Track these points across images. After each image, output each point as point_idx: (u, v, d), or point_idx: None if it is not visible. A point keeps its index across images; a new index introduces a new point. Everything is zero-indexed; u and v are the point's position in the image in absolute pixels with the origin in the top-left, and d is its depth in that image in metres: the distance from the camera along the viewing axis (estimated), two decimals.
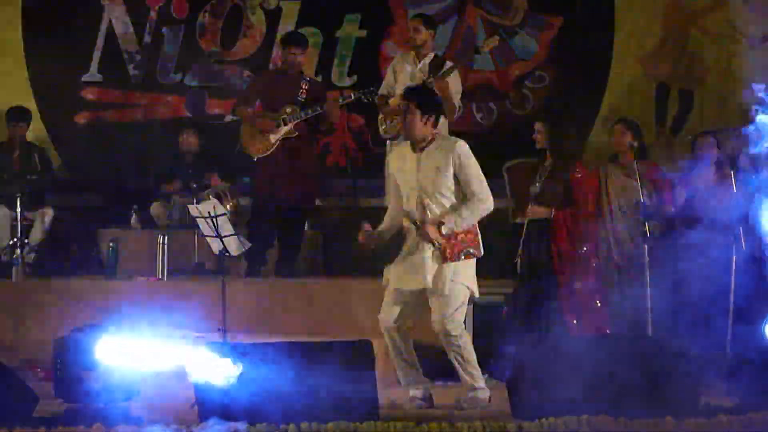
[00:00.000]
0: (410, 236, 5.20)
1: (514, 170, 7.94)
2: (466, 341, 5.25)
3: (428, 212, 5.13)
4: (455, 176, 5.12)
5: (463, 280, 5.19)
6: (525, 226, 5.84)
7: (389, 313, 5.24)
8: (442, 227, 5.08)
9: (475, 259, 5.24)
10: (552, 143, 5.68)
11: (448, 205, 5.12)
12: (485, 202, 5.14)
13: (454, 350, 5.23)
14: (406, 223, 5.22)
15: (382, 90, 7.08)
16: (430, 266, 5.12)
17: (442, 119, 6.73)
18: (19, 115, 7.60)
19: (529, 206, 5.72)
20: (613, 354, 4.90)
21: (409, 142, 5.26)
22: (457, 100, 6.89)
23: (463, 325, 5.28)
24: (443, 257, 5.12)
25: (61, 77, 8.12)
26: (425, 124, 5.17)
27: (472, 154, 5.18)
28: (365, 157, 8.04)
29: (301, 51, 7.02)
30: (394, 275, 5.25)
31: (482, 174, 5.18)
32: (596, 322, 5.71)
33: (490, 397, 5.26)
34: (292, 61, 7.01)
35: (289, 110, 6.98)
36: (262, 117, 7.05)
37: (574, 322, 5.65)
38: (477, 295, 5.34)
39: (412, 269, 5.16)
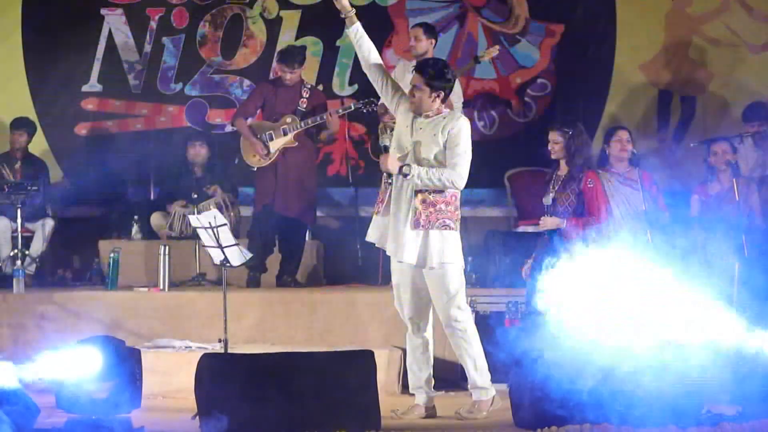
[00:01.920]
0: (394, 204, 5.16)
1: (516, 178, 7.96)
2: (471, 333, 5.22)
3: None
4: (445, 146, 5.12)
5: (453, 258, 5.14)
6: (539, 237, 5.75)
7: (398, 301, 5.25)
8: (404, 167, 5.08)
9: (458, 236, 5.19)
10: (568, 153, 5.63)
11: None
12: (456, 176, 5.10)
13: (460, 338, 5.20)
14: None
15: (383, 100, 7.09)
16: (409, 239, 5.09)
17: None
18: (21, 124, 7.63)
19: (542, 218, 5.63)
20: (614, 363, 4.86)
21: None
22: (458, 108, 6.89)
23: (469, 312, 5.25)
24: (415, 223, 5.08)
25: (62, 88, 8.14)
26: (433, 100, 5.17)
27: (469, 134, 5.17)
28: (366, 166, 8.03)
29: (292, 70, 6.98)
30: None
31: (469, 155, 5.16)
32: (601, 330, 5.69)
33: (493, 398, 5.24)
34: (283, 77, 7.02)
35: (289, 120, 6.99)
36: (259, 128, 7.03)
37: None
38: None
39: (394, 240, 5.14)
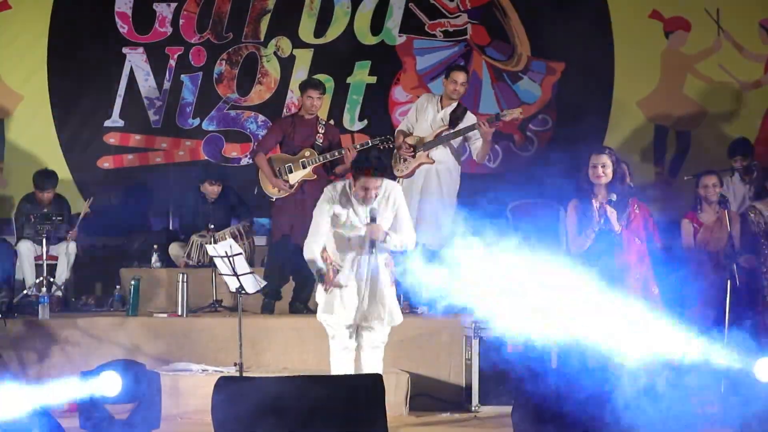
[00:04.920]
0: (364, 273, 5.53)
1: (519, 210, 8.16)
2: None
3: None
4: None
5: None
6: None
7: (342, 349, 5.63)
8: (386, 234, 5.47)
9: None
10: (615, 176, 5.64)
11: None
12: (411, 239, 5.57)
13: None
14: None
15: (402, 126, 7.22)
16: (394, 299, 5.60)
17: (455, 165, 6.97)
18: (48, 184, 7.57)
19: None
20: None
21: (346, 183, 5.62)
22: (481, 157, 7.11)
23: None
24: (390, 283, 5.56)
25: (85, 123, 8.28)
26: (380, 184, 5.52)
27: (404, 197, 5.64)
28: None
29: (318, 94, 7.14)
30: (347, 308, 5.56)
31: (409, 215, 5.66)
32: None
33: None
34: (309, 104, 7.15)
35: (308, 154, 7.11)
36: (279, 161, 7.17)
37: None
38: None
39: (374, 299, 5.53)
